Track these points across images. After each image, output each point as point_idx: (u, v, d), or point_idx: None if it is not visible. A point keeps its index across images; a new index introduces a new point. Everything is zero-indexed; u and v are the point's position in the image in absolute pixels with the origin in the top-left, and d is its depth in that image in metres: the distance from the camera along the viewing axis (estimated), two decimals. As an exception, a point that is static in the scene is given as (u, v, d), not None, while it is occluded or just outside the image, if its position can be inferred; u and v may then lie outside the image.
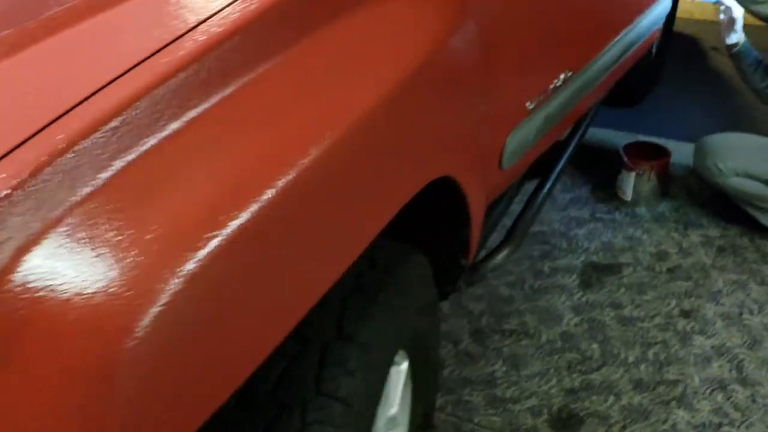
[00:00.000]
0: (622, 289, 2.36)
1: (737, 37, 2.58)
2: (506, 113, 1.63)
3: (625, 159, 2.69)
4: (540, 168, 2.15)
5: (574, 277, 2.42)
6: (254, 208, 0.81)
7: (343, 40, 1.05)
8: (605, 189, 2.84)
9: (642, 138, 2.95)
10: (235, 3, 0.94)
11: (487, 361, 2.11)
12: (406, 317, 1.30)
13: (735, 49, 2.60)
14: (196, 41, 0.86)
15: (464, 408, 1.96)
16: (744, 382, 2.01)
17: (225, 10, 0.93)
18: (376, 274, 1.20)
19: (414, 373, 1.46)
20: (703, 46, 3.96)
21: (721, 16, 2.57)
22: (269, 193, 0.83)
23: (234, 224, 0.78)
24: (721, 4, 2.48)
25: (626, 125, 3.19)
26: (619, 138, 3.03)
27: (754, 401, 1.96)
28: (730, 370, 2.05)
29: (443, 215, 1.46)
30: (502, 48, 1.50)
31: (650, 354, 2.11)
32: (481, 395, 2.00)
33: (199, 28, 0.88)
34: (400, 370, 1.40)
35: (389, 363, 1.22)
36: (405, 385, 1.42)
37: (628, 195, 2.73)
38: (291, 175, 0.86)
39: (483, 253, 1.91)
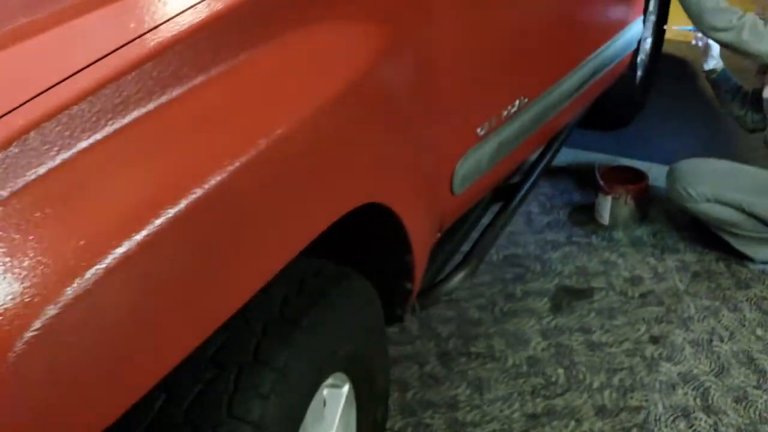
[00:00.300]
0: (593, 314, 2.36)
1: (714, 63, 2.59)
2: (454, 139, 1.64)
3: (601, 183, 2.70)
4: (506, 190, 2.17)
5: (546, 300, 2.42)
6: (155, 224, 0.84)
7: (263, 65, 1.08)
8: (584, 212, 2.84)
9: (624, 161, 2.96)
10: (162, 25, 0.97)
11: (451, 384, 2.11)
12: (340, 341, 1.31)
13: (713, 76, 2.61)
14: (122, 57, 0.90)
15: (424, 431, 1.96)
16: (708, 410, 2.00)
17: (151, 32, 0.96)
18: (302, 299, 1.22)
19: (358, 396, 1.47)
20: (692, 69, 3.96)
21: (698, 43, 2.58)
22: (172, 210, 0.86)
23: (132, 240, 0.81)
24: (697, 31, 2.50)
25: (610, 148, 3.19)
26: (601, 160, 3.03)
27: (716, 430, 1.94)
28: (695, 398, 2.04)
29: (384, 240, 1.47)
30: (446, 75, 1.52)
31: (615, 380, 2.11)
32: (442, 419, 2.00)
33: (124, 47, 0.92)
34: (341, 392, 1.42)
35: (315, 387, 1.23)
36: (347, 407, 1.44)
37: (606, 219, 2.73)
38: (197, 192, 0.88)
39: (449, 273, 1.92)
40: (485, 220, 2.13)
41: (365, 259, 1.55)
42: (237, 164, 0.94)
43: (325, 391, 1.36)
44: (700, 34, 2.51)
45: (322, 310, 1.24)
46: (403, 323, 1.88)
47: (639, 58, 3.18)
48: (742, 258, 2.53)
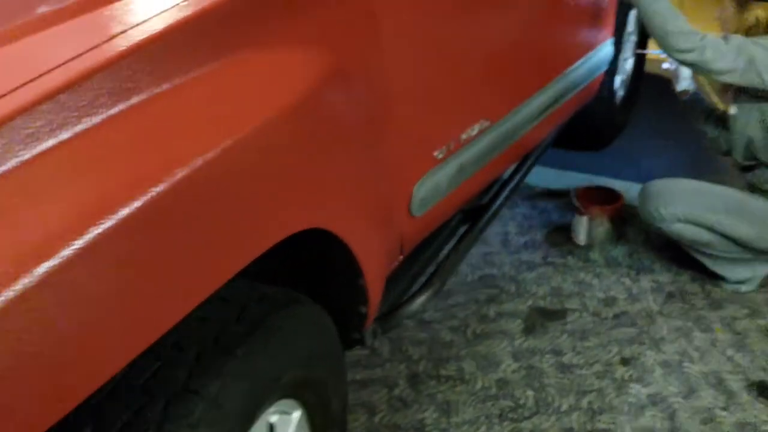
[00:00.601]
0: (565, 336, 2.35)
1: (687, 84, 2.59)
2: (409, 163, 1.65)
3: (577, 203, 2.69)
4: (475, 211, 2.17)
5: (519, 322, 2.41)
6: (79, 243, 0.84)
7: (199, 88, 1.08)
8: (562, 232, 2.84)
9: (601, 181, 2.96)
10: (94, 49, 0.98)
11: (419, 407, 2.10)
12: (285, 367, 1.31)
13: (684, 97, 2.62)
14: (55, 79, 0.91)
15: (389, 455, 1.96)
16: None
17: (88, 53, 0.97)
18: (241, 325, 1.22)
19: (312, 422, 1.47)
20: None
21: (670, 66, 2.58)
22: (97, 229, 0.86)
23: (57, 257, 0.81)
24: None
25: (590, 167, 3.19)
26: (581, 180, 3.03)
27: (682, 452, 1.93)
28: (663, 420, 2.03)
29: (335, 265, 1.47)
30: (397, 100, 1.53)
31: (584, 402, 2.09)
32: (408, 442, 1.99)
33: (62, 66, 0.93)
34: (291, 419, 1.41)
35: (253, 415, 1.23)
36: (300, 432, 1.43)
37: (582, 239, 2.72)
38: (123, 212, 0.89)
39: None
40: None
41: (319, 284, 1.55)
42: (165, 184, 0.94)
43: (273, 418, 1.36)
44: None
45: (263, 336, 1.23)
46: (367, 346, 1.88)
47: (619, 79, 3.18)
48: (717, 278, 2.52)
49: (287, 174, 1.19)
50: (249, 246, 1.11)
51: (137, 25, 1.07)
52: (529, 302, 2.50)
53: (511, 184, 2.29)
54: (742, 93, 2.30)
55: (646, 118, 3.58)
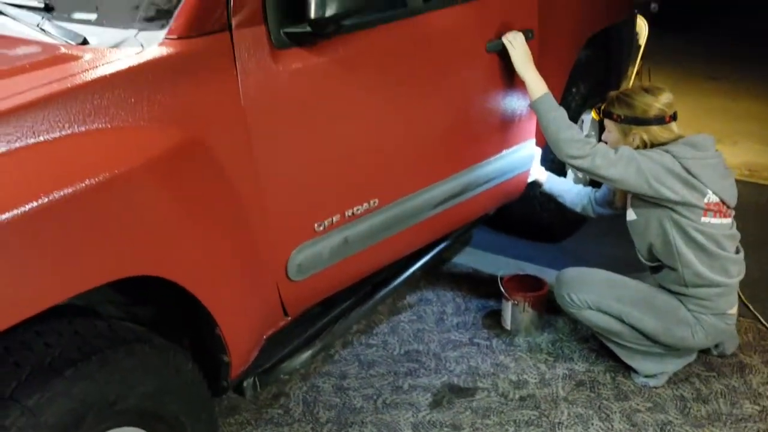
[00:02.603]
0: (468, 412, 2.47)
1: (538, 175, 2.87)
2: (286, 231, 1.85)
3: (502, 289, 2.84)
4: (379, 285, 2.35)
5: (429, 396, 2.54)
6: None
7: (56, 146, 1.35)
8: (495, 316, 2.98)
9: (534, 268, 3.11)
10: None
11: (310, 467, 2.23)
12: (121, 396, 1.48)
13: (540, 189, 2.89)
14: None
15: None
16: None
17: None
18: (77, 353, 1.42)
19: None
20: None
21: None
22: None
23: None
24: None
25: (524, 254, 3.38)
26: (513, 266, 3.18)
27: None
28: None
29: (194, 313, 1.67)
30: (270, 175, 1.75)
31: (467, 475, 2.20)
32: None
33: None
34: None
35: (74, 430, 1.40)
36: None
37: (508, 324, 2.86)
38: None
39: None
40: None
41: (187, 329, 1.75)
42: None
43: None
44: None
45: (96, 365, 1.43)
46: (248, 396, 2.05)
47: (572, 178, 3.35)
48: (631, 371, 2.62)
49: (124, 222, 1.41)
50: (77, 278, 1.33)
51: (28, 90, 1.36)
52: (444, 378, 2.63)
53: (416, 265, 2.45)
54: (639, 200, 2.45)
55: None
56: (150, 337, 1.58)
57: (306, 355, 2.06)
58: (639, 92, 2.44)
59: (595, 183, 2.91)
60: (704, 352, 2.69)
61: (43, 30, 1.66)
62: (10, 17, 1.75)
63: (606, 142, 2.51)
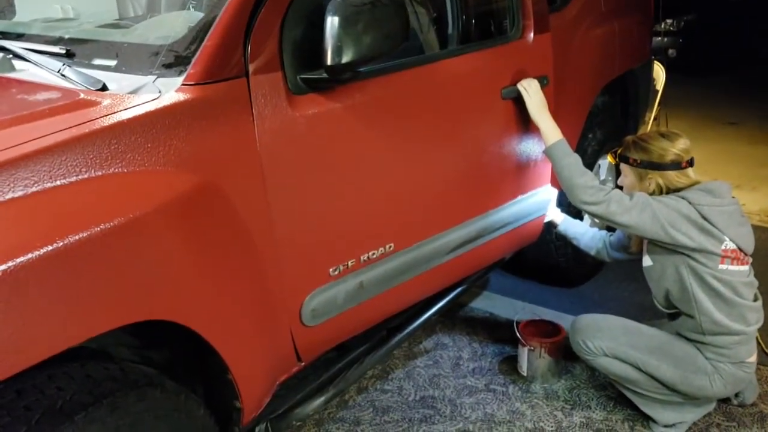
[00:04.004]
0: (483, 460, 2.43)
1: (554, 215, 2.88)
2: (297, 276, 1.85)
3: (519, 334, 2.81)
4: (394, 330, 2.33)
5: (443, 443, 2.51)
6: None
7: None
8: (511, 362, 2.94)
9: (551, 314, 3.08)
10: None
11: None
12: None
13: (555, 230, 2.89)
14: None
15: None
16: None
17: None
18: (88, 398, 1.41)
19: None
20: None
21: None
22: None
23: None
24: None
25: (540, 299, 3.35)
26: (546, 314, 3.15)
27: None
28: None
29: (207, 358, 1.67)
30: (284, 220, 1.76)
31: None
32: None
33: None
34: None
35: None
36: None
37: (524, 370, 2.83)
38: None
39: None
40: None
41: (199, 374, 1.74)
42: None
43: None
44: None
45: (107, 410, 1.43)
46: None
47: (589, 222, 3.34)
48: (650, 420, 2.57)
49: (138, 266, 1.42)
50: (90, 322, 1.33)
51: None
52: (459, 425, 2.59)
53: (433, 309, 2.44)
54: (655, 246, 2.43)
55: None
56: (162, 381, 1.58)
57: (319, 400, 2.04)
58: (655, 137, 2.44)
59: (611, 227, 2.90)
60: (724, 401, 2.63)
61: (63, 75, 1.69)
62: (32, 63, 1.79)
63: (622, 187, 2.51)
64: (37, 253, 1.25)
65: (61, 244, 1.29)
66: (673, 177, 2.39)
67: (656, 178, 2.40)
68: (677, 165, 2.38)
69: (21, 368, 1.26)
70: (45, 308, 1.27)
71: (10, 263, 1.21)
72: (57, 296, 1.29)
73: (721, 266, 2.33)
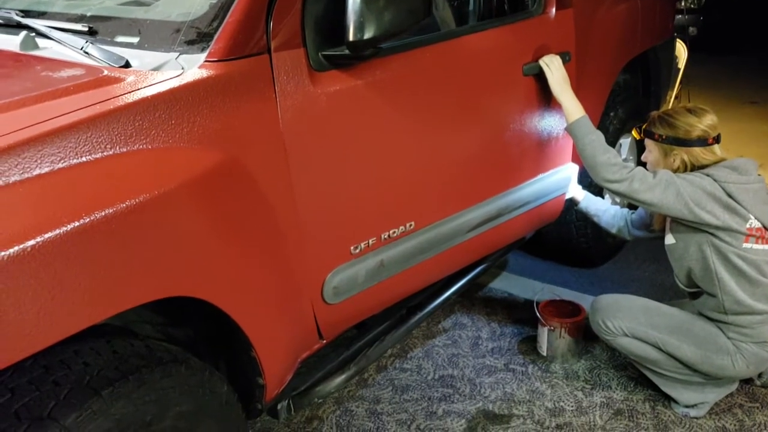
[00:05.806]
0: (503, 439, 2.43)
1: (575, 192, 2.86)
2: (321, 254, 1.84)
3: (539, 314, 2.81)
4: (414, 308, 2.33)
5: (463, 422, 2.51)
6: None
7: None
8: (530, 342, 2.94)
9: (572, 294, 3.06)
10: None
11: (345, 490, 2.21)
12: (158, 415, 1.48)
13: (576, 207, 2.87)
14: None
15: None
16: None
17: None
18: (115, 372, 1.42)
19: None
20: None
21: None
22: None
23: None
24: None
25: (562, 280, 3.33)
26: (566, 294, 3.14)
27: None
28: None
29: (230, 335, 1.67)
30: (307, 198, 1.75)
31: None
32: None
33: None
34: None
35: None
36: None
37: (544, 350, 2.82)
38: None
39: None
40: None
41: (222, 351, 1.75)
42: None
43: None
44: None
45: (133, 385, 1.43)
46: (281, 419, 2.04)
47: (610, 201, 3.32)
48: (671, 400, 2.56)
49: (163, 242, 1.42)
50: (116, 298, 1.34)
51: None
52: (479, 404, 2.60)
53: (452, 288, 2.44)
54: (678, 224, 2.41)
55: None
56: (186, 358, 1.58)
57: (340, 378, 2.05)
58: (682, 113, 2.41)
59: (632, 205, 2.88)
60: (747, 382, 2.62)
61: (86, 53, 1.69)
62: (55, 40, 1.78)
63: (645, 163, 2.48)
64: (64, 228, 1.26)
65: (88, 220, 1.29)
66: (699, 153, 2.36)
67: (681, 155, 2.37)
68: (704, 141, 2.35)
69: (50, 343, 1.27)
70: (73, 284, 1.27)
71: (39, 238, 1.21)
72: (84, 272, 1.29)
73: (745, 245, 2.30)
